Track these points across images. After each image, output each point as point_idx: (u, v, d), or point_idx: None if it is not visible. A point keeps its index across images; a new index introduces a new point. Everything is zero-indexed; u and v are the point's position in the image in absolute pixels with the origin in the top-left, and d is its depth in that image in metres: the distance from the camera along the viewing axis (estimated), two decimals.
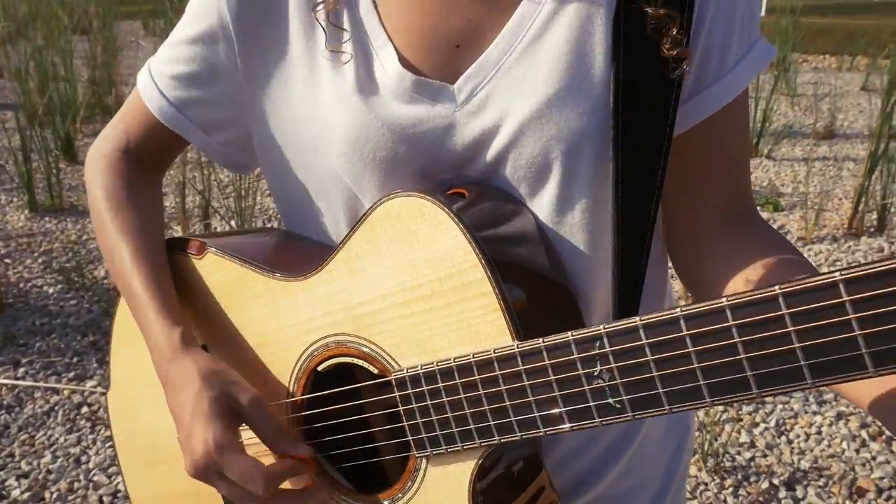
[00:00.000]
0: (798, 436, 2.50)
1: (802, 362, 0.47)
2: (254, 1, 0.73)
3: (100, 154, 0.83)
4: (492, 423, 0.62)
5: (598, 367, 0.55)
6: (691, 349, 0.51)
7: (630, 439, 0.81)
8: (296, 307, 0.74)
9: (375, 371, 0.70)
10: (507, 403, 0.61)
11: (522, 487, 0.71)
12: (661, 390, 0.53)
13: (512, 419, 0.61)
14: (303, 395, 0.75)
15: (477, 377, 0.62)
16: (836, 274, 0.45)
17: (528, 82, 0.67)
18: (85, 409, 2.61)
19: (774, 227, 3.98)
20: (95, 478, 2.30)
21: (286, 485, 0.75)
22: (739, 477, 2.32)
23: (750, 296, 0.48)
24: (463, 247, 0.63)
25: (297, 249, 0.81)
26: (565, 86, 0.66)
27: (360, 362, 0.70)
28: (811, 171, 4.92)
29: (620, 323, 0.54)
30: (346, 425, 0.74)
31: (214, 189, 4.09)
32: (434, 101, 0.69)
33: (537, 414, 0.60)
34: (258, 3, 0.73)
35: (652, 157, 0.66)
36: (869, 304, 0.44)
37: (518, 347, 0.59)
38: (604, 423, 0.56)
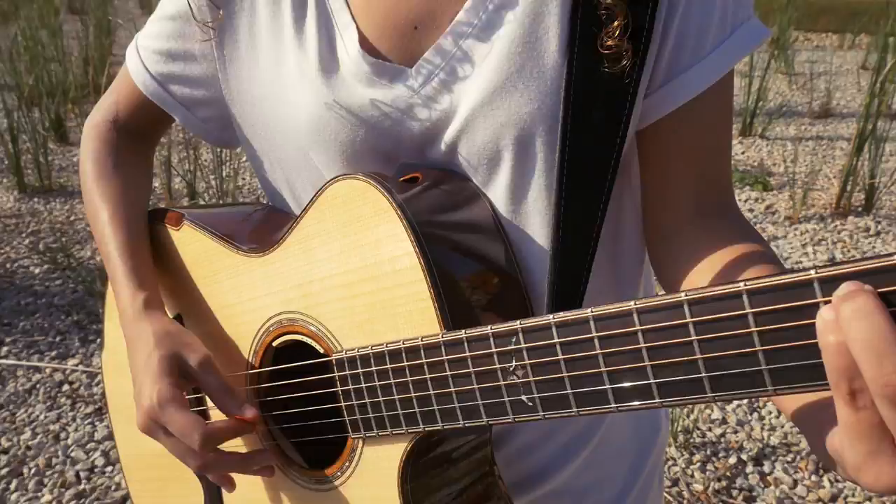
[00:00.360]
0: (770, 412, 2.50)
1: (703, 374, 0.45)
2: None
3: (92, 124, 0.86)
4: (417, 410, 0.62)
5: (513, 363, 0.55)
6: (599, 351, 0.49)
7: (590, 437, 0.80)
8: (255, 282, 0.76)
9: (321, 350, 0.70)
10: (431, 392, 0.61)
11: (462, 475, 0.71)
12: (569, 391, 0.52)
13: (435, 408, 0.61)
14: (259, 367, 0.77)
15: (405, 364, 0.62)
16: (741, 284, 0.42)
17: (481, 67, 0.66)
18: (66, 388, 2.61)
19: (762, 206, 3.97)
20: (73, 454, 2.32)
21: (237, 449, 0.76)
22: (708, 452, 2.33)
23: (658, 301, 0.46)
24: (400, 233, 0.63)
25: (271, 224, 0.82)
26: (517, 71, 0.64)
27: (309, 340, 0.72)
28: (804, 150, 4.88)
29: (536, 319, 0.53)
30: (297, 400, 0.75)
31: (201, 169, 4.06)
32: (392, 84, 0.68)
33: (458, 405, 0.59)
34: None
35: (603, 150, 0.64)
36: (770, 317, 0.41)
37: (442, 337, 0.59)
38: (516, 419, 0.56)
